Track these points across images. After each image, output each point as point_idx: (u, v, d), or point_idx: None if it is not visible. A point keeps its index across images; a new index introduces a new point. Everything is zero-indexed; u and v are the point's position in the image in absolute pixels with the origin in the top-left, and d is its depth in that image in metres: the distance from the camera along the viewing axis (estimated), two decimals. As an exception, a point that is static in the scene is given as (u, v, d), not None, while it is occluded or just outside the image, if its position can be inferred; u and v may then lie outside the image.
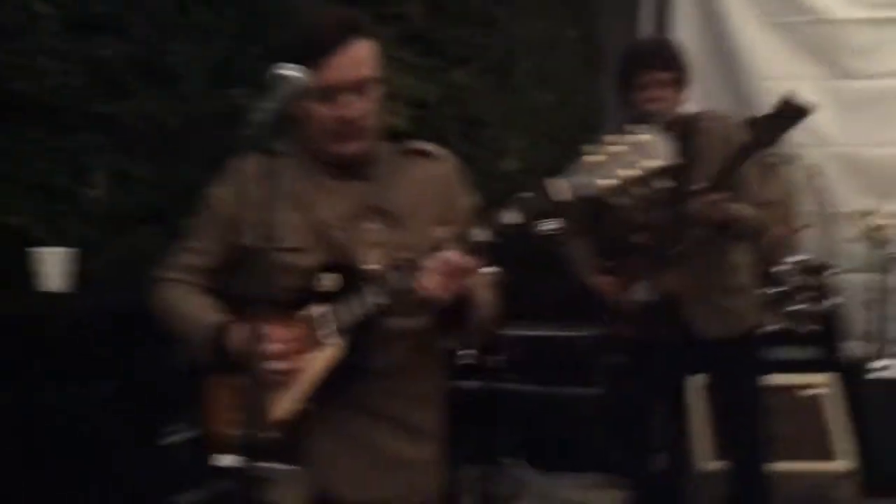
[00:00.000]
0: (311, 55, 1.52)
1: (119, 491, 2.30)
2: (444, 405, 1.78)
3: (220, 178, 1.76)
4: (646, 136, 1.39)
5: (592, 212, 2.70)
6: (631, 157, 1.39)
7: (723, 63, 4.61)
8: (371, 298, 1.57)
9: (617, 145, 1.40)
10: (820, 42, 4.43)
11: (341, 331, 1.61)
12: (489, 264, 1.61)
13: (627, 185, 1.39)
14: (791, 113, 2.34)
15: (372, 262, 1.62)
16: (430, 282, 1.46)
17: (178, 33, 2.87)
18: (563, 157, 4.52)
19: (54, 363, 2.19)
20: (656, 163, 1.38)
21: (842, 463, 3.23)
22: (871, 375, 3.47)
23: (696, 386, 2.98)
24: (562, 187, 1.40)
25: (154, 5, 2.80)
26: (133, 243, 2.75)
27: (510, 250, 1.51)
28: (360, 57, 1.59)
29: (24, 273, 2.46)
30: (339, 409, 1.65)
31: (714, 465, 3.12)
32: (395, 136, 1.74)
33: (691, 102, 4.43)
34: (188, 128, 2.89)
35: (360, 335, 1.62)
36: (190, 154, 2.89)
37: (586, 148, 1.41)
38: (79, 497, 2.25)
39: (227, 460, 1.56)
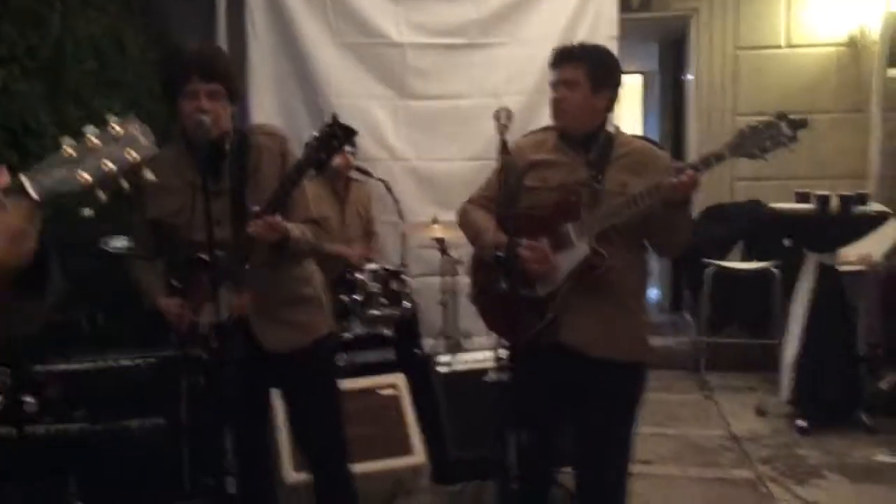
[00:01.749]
0: None
1: None
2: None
3: None
4: (126, 128, 1.31)
5: (163, 231, 2.53)
6: (112, 149, 1.29)
7: (301, 81, 4.72)
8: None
9: (97, 139, 1.30)
10: (387, 64, 4.75)
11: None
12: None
13: (108, 178, 1.30)
14: (339, 133, 2.39)
15: None
16: None
17: None
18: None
19: None
20: (138, 155, 1.31)
21: (418, 456, 3.45)
22: (441, 370, 3.76)
23: (277, 400, 2.94)
24: (34, 183, 1.26)
25: None
26: None
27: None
28: None
29: None
30: None
31: (298, 476, 3.12)
32: None
33: (275, 119, 4.48)
34: None
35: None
36: None
37: (65, 141, 1.28)
38: None
39: None
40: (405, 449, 3.46)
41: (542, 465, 2.61)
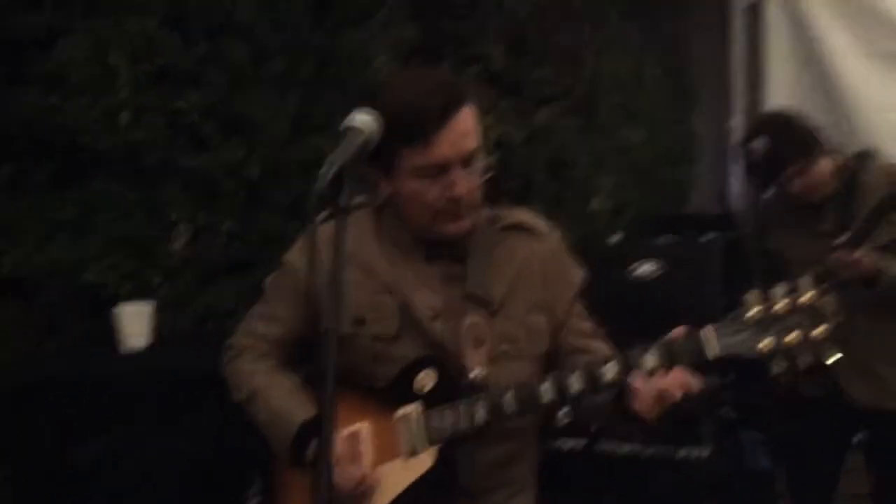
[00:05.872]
0: (418, 132, 1.40)
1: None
2: (537, 484, 1.66)
3: (295, 246, 1.63)
4: (817, 300, 1.26)
5: None
6: (796, 320, 1.26)
7: (824, 97, 4.36)
8: (475, 415, 1.43)
9: (785, 305, 1.27)
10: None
11: (434, 441, 1.45)
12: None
13: (787, 352, 1.28)
14: None
15: (475, 365, 1.48)
16: (642, 405, 1.39)
17: (254, 83, 2.82)
18: (652, 196, 4.28)
19: (131, 422, 2.11)
20: (825, 332, 1.26)
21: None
22: None
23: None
24: (719, 341, 1.32)
25: (229, 56, 2.76)
26: (216, 295, 2.67)
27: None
28: (467, 128, 1.44)
29: (104, 331, 2.41)
30: None
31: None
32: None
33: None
34: (268, 177, 2.82)
35: (454, 448, 1.46)
36: (271, 204, 2.82)
37: (751, 298, 1.28)
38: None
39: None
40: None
41: None
